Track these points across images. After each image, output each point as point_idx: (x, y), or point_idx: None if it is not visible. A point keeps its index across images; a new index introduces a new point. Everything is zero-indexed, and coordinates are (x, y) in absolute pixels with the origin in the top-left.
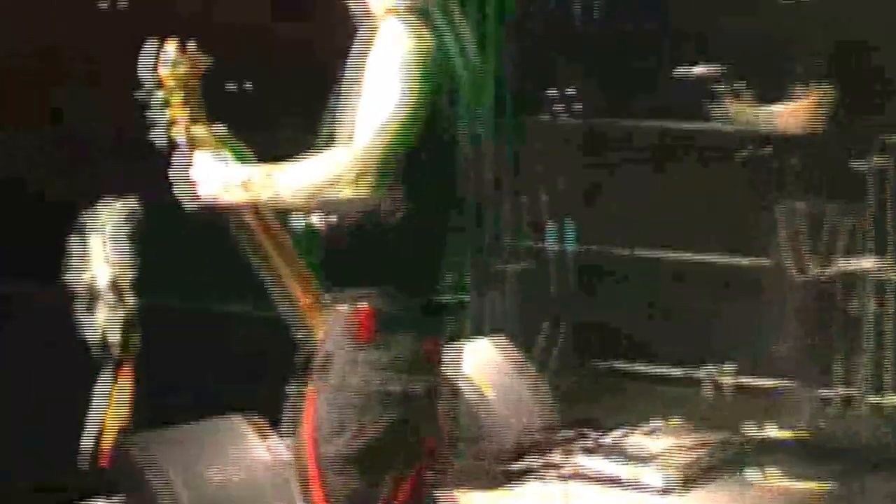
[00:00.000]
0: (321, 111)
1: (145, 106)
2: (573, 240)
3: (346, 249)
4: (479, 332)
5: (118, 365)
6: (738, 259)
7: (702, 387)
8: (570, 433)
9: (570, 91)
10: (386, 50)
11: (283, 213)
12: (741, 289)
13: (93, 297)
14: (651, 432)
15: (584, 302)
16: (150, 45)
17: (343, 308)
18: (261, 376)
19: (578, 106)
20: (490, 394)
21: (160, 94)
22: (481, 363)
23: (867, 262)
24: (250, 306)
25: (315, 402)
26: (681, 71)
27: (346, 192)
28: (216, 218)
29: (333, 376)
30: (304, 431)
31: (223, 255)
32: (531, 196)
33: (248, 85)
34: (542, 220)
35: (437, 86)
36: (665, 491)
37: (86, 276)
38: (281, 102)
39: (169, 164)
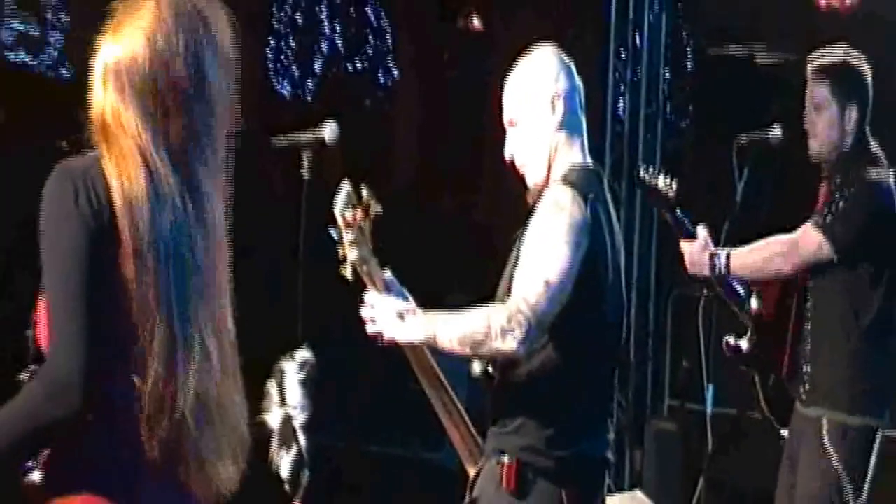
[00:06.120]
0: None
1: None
2: (717, 402)
3: (499, 397)
4: (621, 487)
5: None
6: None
7: None
8: None
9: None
10: (548, 216)
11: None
12: None
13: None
14: None
15: (725, 464)
16: (344, 184)
17: (490, 456)
18: None
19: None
20: None
21: (333, 231)
22: None
23: None
24: (416, 448)
25: None
26: None
27: (497, 345)
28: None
29: None
30: None
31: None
32: (678, 357)
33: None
34: (689, 381)
35: (592, 253)
36: None
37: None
38: (448, 264)
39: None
